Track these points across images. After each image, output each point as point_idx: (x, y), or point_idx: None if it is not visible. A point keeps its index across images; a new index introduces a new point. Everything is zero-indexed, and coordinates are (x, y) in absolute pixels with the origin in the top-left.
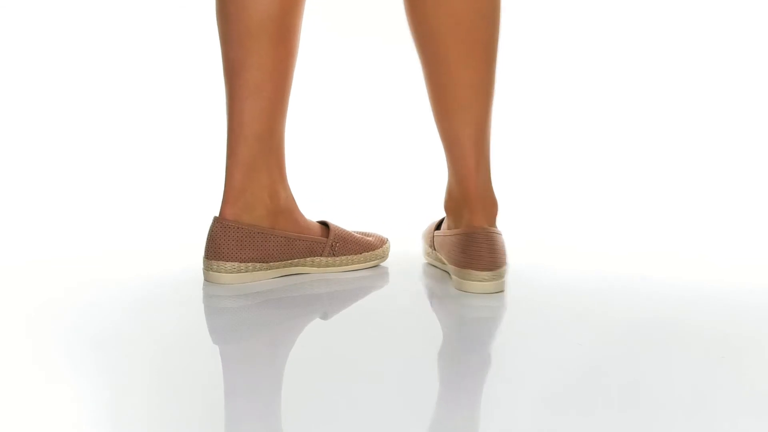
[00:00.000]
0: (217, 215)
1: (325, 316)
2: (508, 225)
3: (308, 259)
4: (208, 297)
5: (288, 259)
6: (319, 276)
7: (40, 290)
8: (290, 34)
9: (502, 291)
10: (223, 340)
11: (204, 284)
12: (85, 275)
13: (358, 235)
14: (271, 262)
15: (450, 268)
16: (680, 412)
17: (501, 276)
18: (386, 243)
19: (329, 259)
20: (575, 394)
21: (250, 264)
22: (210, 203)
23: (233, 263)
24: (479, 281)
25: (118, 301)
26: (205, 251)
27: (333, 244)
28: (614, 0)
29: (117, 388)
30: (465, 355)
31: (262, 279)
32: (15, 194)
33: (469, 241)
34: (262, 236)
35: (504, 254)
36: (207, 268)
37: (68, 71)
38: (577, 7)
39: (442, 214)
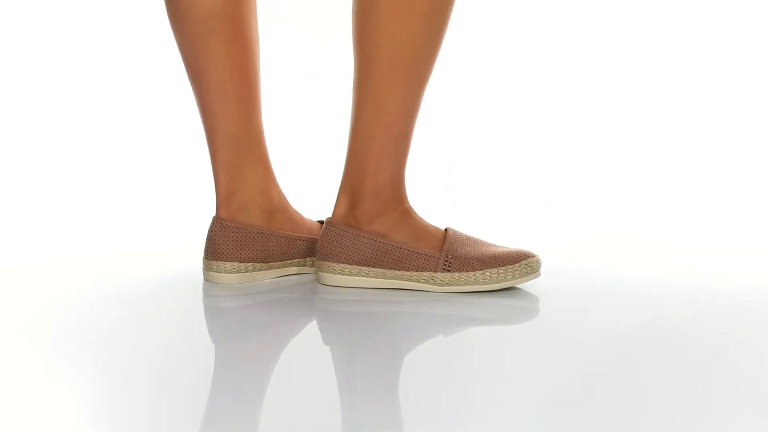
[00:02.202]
0: (215, 216)
1: (326, 317)
2: (507, 225)
3: (308, 259)
4: (208, 297)
5: (288, 259)
6: None
7: (40, 290)
8: (242, 30)
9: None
10: (223, 341)
11: (204, 284)
12: (85, 275)
13: None
14: (271, 262)
15: None
16: (680, 413)
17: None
18: None
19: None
20: (575, 395)
21: (249, 264)
22: (209, 203)
23: (233, 263)
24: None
25: (118, 301)
26: (205, 251)
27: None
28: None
29: (117, 388)
30: (465, 356)
31: (263, 279)
32: (15, 194)
33: None
34: (261, 236)
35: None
36: (207, 268)
37: (68, 71)
38: (575, 7)
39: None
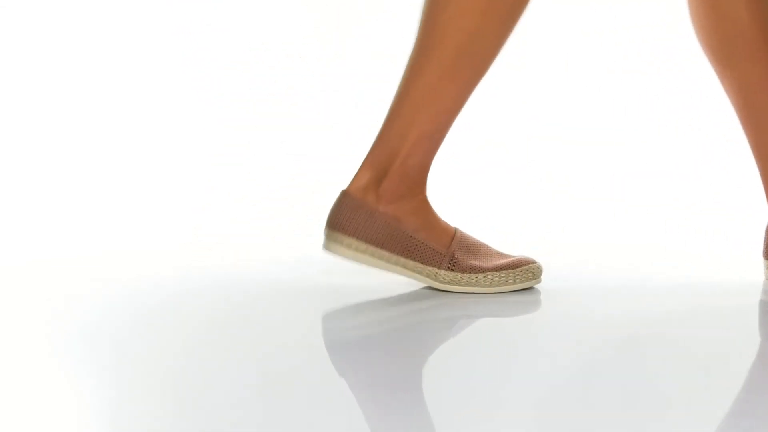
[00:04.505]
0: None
1: (326, 317)
2: (505, 224)
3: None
4: (208, 297)
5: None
6: (326, 277)
7: (41, 290)
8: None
9: None
10: (222, 341)
11: (204, 285)
12: (85, 275)
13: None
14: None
15: None
16: (680, 412)
17: None
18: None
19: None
20: (575, 395)
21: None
22: (209, 203)
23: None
24: None
25: (119, 301)
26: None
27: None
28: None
29: (117, 388)
30: (465, 356)
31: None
32: (15, 194)
33: None
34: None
35: None
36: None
37: (68, 71)
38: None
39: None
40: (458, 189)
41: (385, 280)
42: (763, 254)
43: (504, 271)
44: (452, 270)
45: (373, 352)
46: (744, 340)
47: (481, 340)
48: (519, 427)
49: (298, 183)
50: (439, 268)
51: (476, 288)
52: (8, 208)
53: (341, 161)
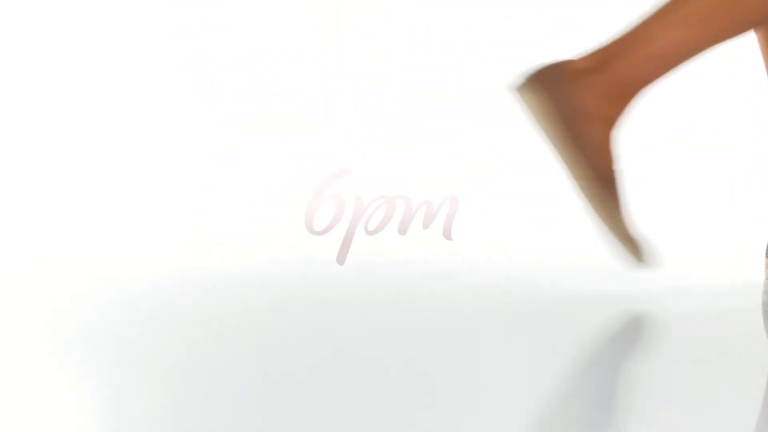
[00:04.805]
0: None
1: (326, 317)
2: (510, 222)
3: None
4: (208, 297)
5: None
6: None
7: (41, 290)
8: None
9: None
10: (223, 341)
11: (204, 285)
12: (85, 275)
13: None
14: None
15: None
16: (681, 413)
17: None
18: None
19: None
20: (574, 395)
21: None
22: (210, 203)
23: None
24: None
25: (118, 301)
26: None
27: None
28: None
29: (116, 388)
30: (463, 355)
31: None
32: (15, 194)
33: None
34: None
35: None
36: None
37: (67, 71)
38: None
39: None
40: (458, 189)
41: (386, 279)
42: (767, 252)
43: (624, 239)
44: (600, 186)
45: (373, 351)
46: (745, 341)
47: (481, 339)
48: (519, 427)
49: (298, 183)
50: (599, 173)
51: (590, 211)
52: (8, 208)
53: (341, 161)
